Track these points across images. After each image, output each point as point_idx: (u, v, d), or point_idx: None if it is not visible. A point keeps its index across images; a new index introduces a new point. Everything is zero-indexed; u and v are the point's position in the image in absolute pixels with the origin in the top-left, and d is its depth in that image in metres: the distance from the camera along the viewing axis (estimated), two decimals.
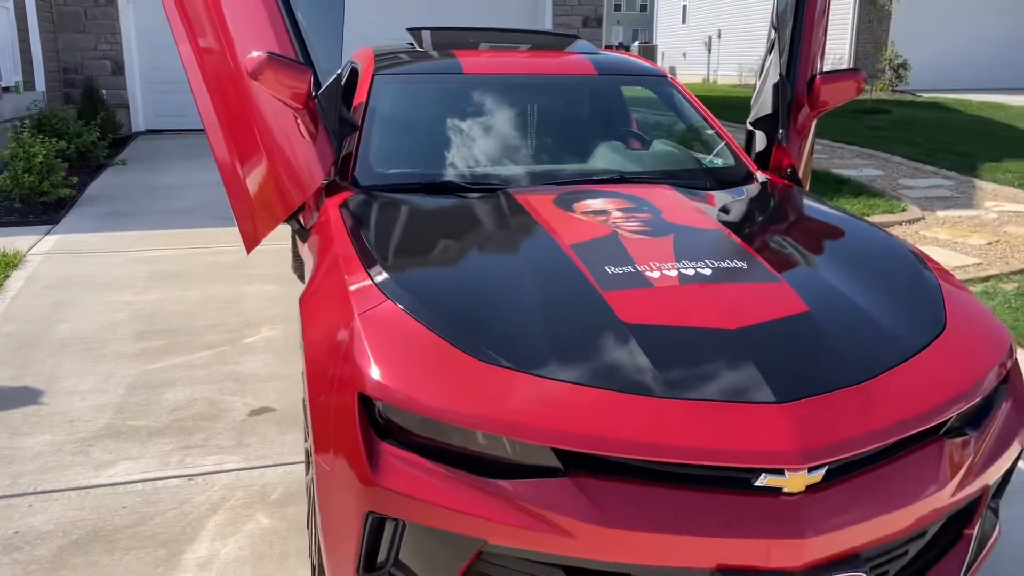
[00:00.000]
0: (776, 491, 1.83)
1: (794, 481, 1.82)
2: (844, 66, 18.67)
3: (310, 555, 2.57)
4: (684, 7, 28.16)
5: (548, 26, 11.22)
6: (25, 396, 3.70)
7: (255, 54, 2.78)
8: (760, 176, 3.36)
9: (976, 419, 2.14)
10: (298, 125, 2.94)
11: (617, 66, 3.77)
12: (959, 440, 2.07)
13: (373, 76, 3.47)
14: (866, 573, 1.86)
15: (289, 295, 4.96)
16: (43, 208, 6.55)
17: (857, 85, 3.28)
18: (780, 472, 1.81)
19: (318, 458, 2.06)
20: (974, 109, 14.52)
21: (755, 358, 1.97)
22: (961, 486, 2.03)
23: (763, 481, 1.82)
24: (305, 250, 3.12)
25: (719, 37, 24.78)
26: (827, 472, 1.86)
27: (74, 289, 4.99)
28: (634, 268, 2.31)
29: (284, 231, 5.94)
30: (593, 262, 2.34)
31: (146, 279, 5.20)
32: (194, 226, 6.34)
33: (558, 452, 1.85)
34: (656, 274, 2.28)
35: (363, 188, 3.02)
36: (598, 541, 1.81)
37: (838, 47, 19.04)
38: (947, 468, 2.01)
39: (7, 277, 5.12)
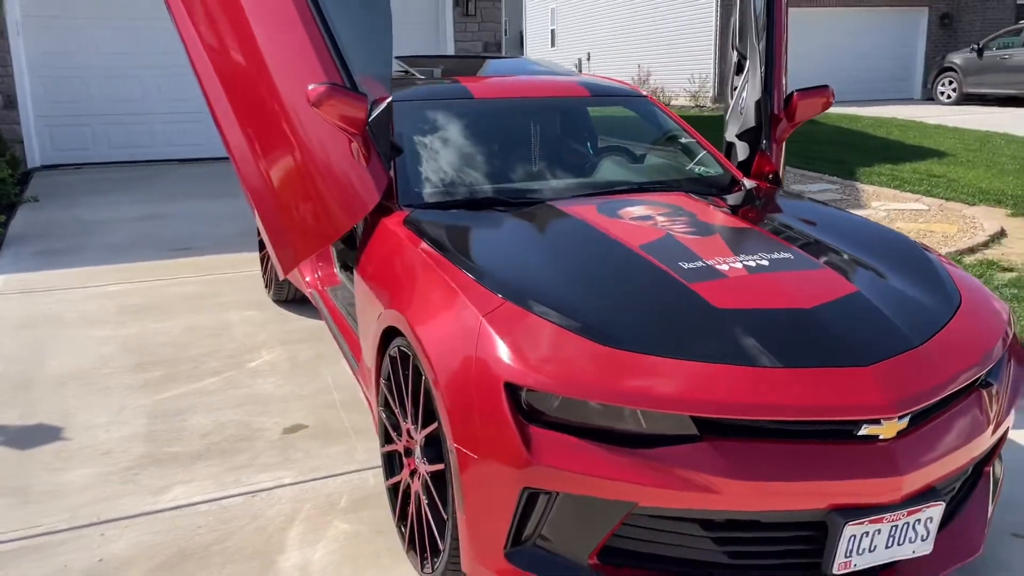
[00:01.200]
0: (873, 439, 2.19)
1: (888, 428, 2.18)
2: (709, 84, 19.95)
3: (407, 550, 2.75)
4: (552, 31, 29.11)
5: (450, 50, 11.54)
6: (44, 434, 3.66)
7: (316, 85, 2.95)
8: (747, 182, 3.78)
9: (996, 372, 2.58)
10: (352, 150, 3.12)
11: (605, 88, 4.13)
12: (990, 389, 2.50)
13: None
14: (944, 502, 2.25)
15: (274, 320, 5.02)
16: None
17: (826, 100, 3.75)
18: (876, 422, 2.17)
19: (461, 448, 2.26)
20: (834, 120, 15.81)
21: (834, 330, 2.33)
22: (996, 426, 2.46)
23: (864, 431, 2.17)
24: (358, 269, 3.26)
25: (588, 59, 25.76)
26: (910, 420, 2.23)
27: (46, 327, 4.88)
28: (704, 263, 2.64)
29: (244, 260, 5.99)
30: (667, 260, 2.65)
31: (117, 313, 5.13)
32: (140, 260, 6.24)
33: (695, 420, 2.14)
34: (725, 267, 2.61)
35: (410, 207, 3.22)
36: (735, 494, 2.11)
37: (702, 67, 20.24)
38: (988, 411, 2.43)
39: None
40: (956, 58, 18.42)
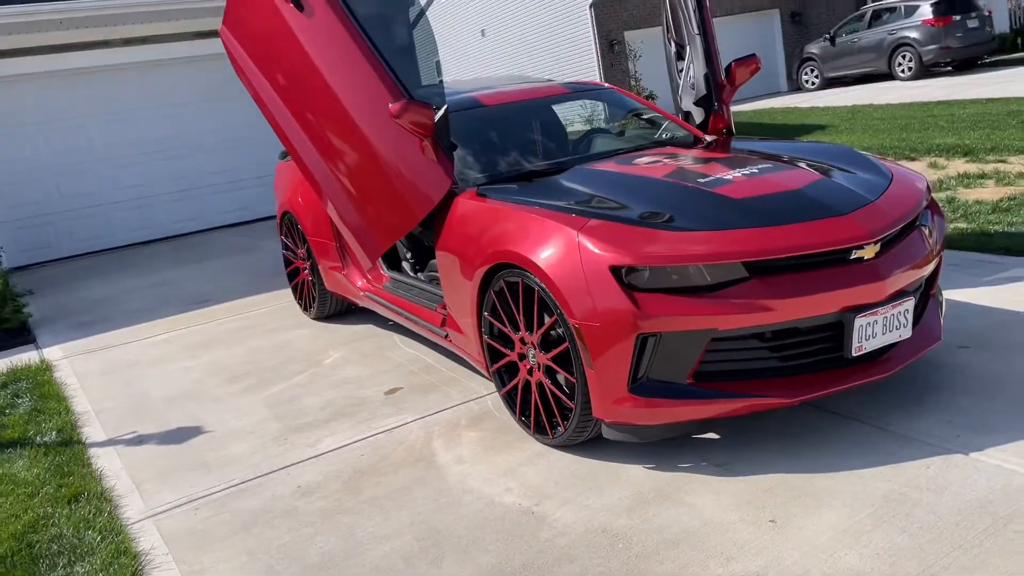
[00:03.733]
0: (860, 260, 3.22)
1: (869, 251, 3.22)
2: None
3: (534, 433, 3.63)
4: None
5: None
6: (187, 433, 4.37)
7: (395, 103, 3.88)
8: (708, 137, 4.85)
9: (925, 218, 3.68)
10: (422, 150, 4.02)
11: (578, 85, 5.18)
12: (925, 228, 3.59)
13: None
14: (912, 296, 3.30)
15: (324, 332, 5.80)
16: (6, 335, 6.80)
17: (755, 66, 4.87)
18: (861, 247, 3.20)
19: (585, 323, 3.17)
20: (747, 117, 17.35)
21: (818, 198, 3.37)
22: (933, 253, 3.54)
23: (854, 255, 3.21)
24: (439, 244, 4.13)
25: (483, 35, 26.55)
26: (881, 245, 3.28)
27: (129, 371, 5.54)
28: (714, 177, 3.66)
29: (267, 299, 6.70)
30: (686, 179, 3.67)
31: (184, 351, 5.82)
32: (171, 315, 6.89)
33: (745, 265, 3.13)
34: (729, 177, 3.64)
35: (474, 187, 4.14)
36: (780, 308, 3.10)
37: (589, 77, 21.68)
38: (927, 240, 3.52)
39: (53, 374, 5.55)
40: (813, 48, 20.44)
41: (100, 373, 5.57)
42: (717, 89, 4.91)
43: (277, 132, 4.62)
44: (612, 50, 21.38)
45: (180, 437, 4.32)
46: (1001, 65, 17.81)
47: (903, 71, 18.07)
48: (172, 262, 9.49)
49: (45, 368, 5.69)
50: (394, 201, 4.23)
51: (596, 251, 3.20)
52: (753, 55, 4.89)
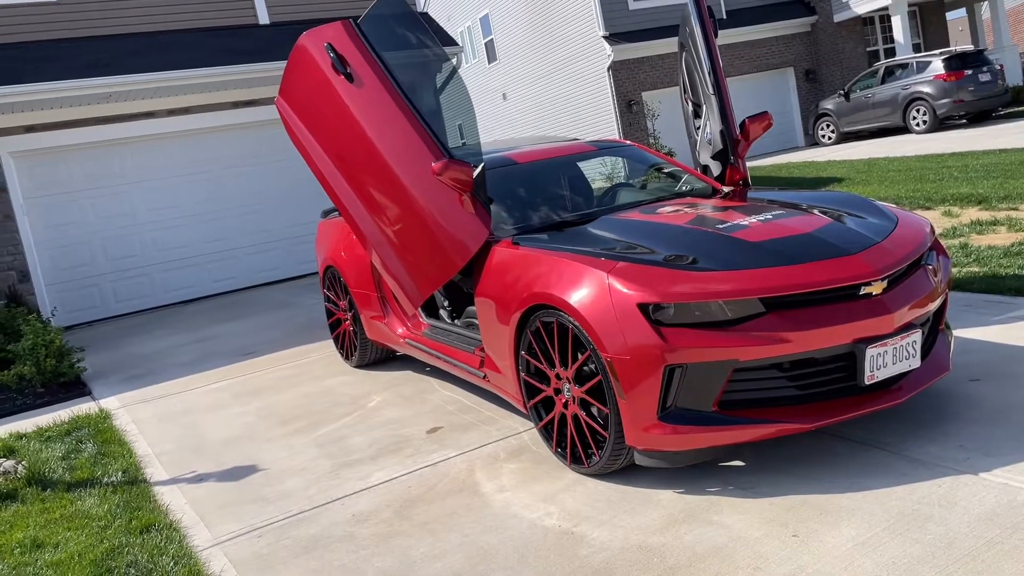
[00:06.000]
0: (869, 295, 3.51)
1: (876, 287, 3.51)
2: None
3: (570, 464, 3.90)
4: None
5: None
6: (244, 471, 4.67)
7: (437, 162, 4.25)
8: (726, 188, 5.19)
9: (930, 258, 3.97)
10: (462, 203, 4.38)
11: (602, 143, 5.56)
12: (930, 267, 3.88)
13: None
14: (920, 329, 3.58)
15: (366, 378, 6.12)
16: (63, 388, 7.18)
17: (768, 122, 5.22)
18: (869, 283, 3.49)
19: (616, 357, 3.47)
20: (766, 171, 17.82)
21: (829, 240, 3.67)
22: (939, 290, 3.82)
23: (863, 291, 3.50)
24: (478, 291, 4.46)
25: (505, 99, 27.21)
26: (888, 282, 3.57)
27: (186, 417, 5.87)
28: (732, 223, 3.98)
29: (309, 350, 7.03)
30: (707, 225, 3.99)
31: (235, 398, 6.15)
32: (218, 366, 7.25)
33: (762, 301, 3.42)
34: (746, 223, 3.96)
35: (508, 236, 4.48)
36: (797, 340, 3.38)
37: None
38: (932, 278, 3.80)
39: (112, 421, 5.89)
40: (828, 104, 20.91)
41: (156, 419, 5.90)
42: (732, 144, 5.26)
43: (327, 190, 5.01)
44: (631, 110, 21.98)
45: (237, 475, 4.61)
46: (1014, 117, 18.13)
47: (918, 124, 18.45)
48: (214, 319, 9.90)
49: (104, 416, 6.03)
50: (436, 251, 4.58)
51: (625, 291, 3.51)
52: (765, 112, 5.24)
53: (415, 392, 5.60)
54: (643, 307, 3.46)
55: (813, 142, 21.76)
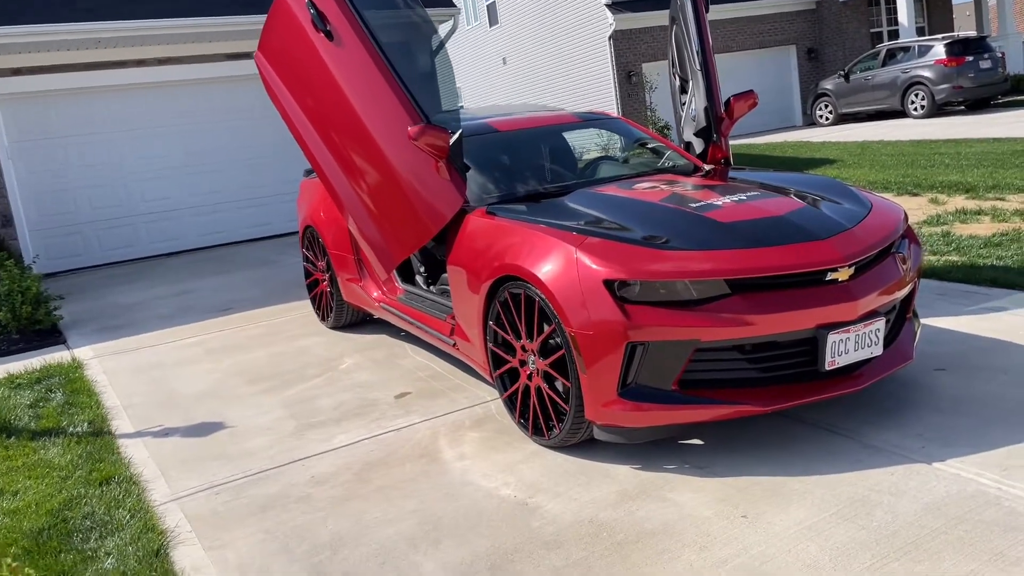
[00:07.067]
0: (835, 281, 3.50)
1: (843, 273, 3.50)
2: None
3: (532, 435, 3.91)
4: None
5: None
6: (211, 427, 4.68)
7: (414, 126, 4.20)
8: (707, 167, 5.16)
9: (901, 246, 3.96)
10: (437, 170, 4.34)
11: (587, 114, 5.50)
12: (900, 255, 3.87)
13: None
14: (884, 316, 3.58)
15: (340, 340, 6.12)
16: (38, 335, 7.16)
17: (753, 100, 5.18)
18: (835, 270, 3.48)
19: (580, 331, 3.46)
20: (733, 151, 17.73)
21: (800, 224, 3.65)
22: (908, 278, 3.82)
23: (829, 276, 3.49)
24: (451, 259, 4.44)
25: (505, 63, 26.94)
26: (855, 269, 3.56)
27: (157, 370, 5.87)
28: (705, 202, 3.95)
29: (286, 309, 7.02)
30: (680, 203, 3.97)
31: (207, 355, 6.15)
32: (195, 321, 7.23)
33: (728, 282, 3.41)
34: (719, 203, 3.93)
35: (484, 206, 4.45)
36: (760, 323, 3.38)
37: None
38: (901, 266, 3.79)
39: (84, 371, 5.88)
40: (828, 84, 20.78)
41: (128, 372, 5.90)
42: (716, 122, 5.21)
43: (304, 150, 4.97)
44: (630, 81, 21.80)
45: (203, 431, 4.62)
46: (1013, 106, 18.06)
47: (915, 109, 18.36)
48: (197, 273, 9.87)
49: (76, 366, 6.02)
50: (410, 217, 4.55)
51: (592, 266, 3.49)
52: (751, 91, 5.20)
53: (387, 356, 5.60)
54: (609, 283, 3.44)
55: (811, 122, 21.65)
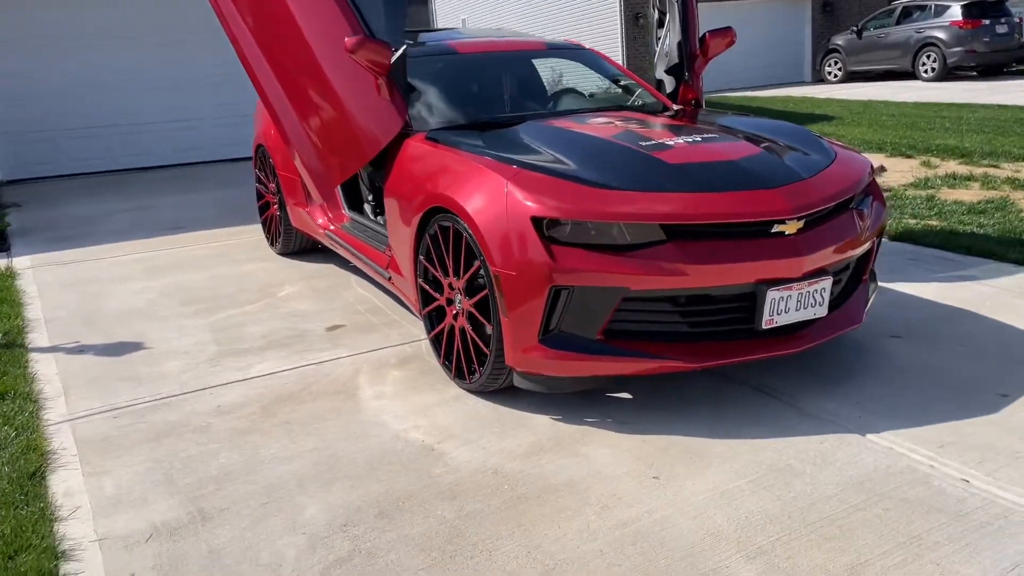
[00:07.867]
0: (781, 234, 3.23)
1: (790, 227, 3.23)
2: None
3: (454, 378, 3.68)
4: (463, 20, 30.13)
5: None
6: (129, 347, 4.45)
7: (352, 37, 3.88)
8: (675, 106, 4.84)
9: (863, 203, 3.68)
10: (378, 88, 4.04)
11: (555, 43, 5.17)
12: (860, 210, 3.59)
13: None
14: (831, 276, 3.32)
15: (286, 266, 5.87)
16: None
17: (730, 38, 4.84)
18: (782, 222, 3.21)
19: (504, 271, 3.21)
20: (734, 102, 17.26)
21: (751, 171, 3.37)
22: (863, 237, 3.55)
23: (775, 229, 3.22)
24: (387, 186, 4.17)
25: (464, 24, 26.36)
26: (805, 222, 3.29)
27: (90, 286, 5.62)
28: (656, 141, 3.66)
29: (237, 232, 6.76)
30: (630, 141, 3.67)
31: (146, 272, 5.90)
32: (145, 237, 6.97)
33: (663, 228, 3.15)
34: (671, 143, 3.64)
35: (426, 130, 4.15)
36: (694, 274, 3.12)
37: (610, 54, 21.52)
38: (859, 223, 3.52)
39: (15, 281, 5.65)
40: (839, 40, 20.17)
41: (60, 285, 5.65)
42: (689, 59, 4.88)
43: (244, 66, 4.63)
44: (636, 23, 21.17)
45: (120, 351, 4.40)
46: None
47: (926, 71, 17.84)
48: (161, 189, 9.57)
49: (9, 275, 5.78)
50: (347, 139, 4.26)
51: (522, 201, 3.22)
52: (729, 27, 4.86)
53: (330, 287, 5.36)
54: (537, 221, 3.18)
55: (820, 79, 21.08)
